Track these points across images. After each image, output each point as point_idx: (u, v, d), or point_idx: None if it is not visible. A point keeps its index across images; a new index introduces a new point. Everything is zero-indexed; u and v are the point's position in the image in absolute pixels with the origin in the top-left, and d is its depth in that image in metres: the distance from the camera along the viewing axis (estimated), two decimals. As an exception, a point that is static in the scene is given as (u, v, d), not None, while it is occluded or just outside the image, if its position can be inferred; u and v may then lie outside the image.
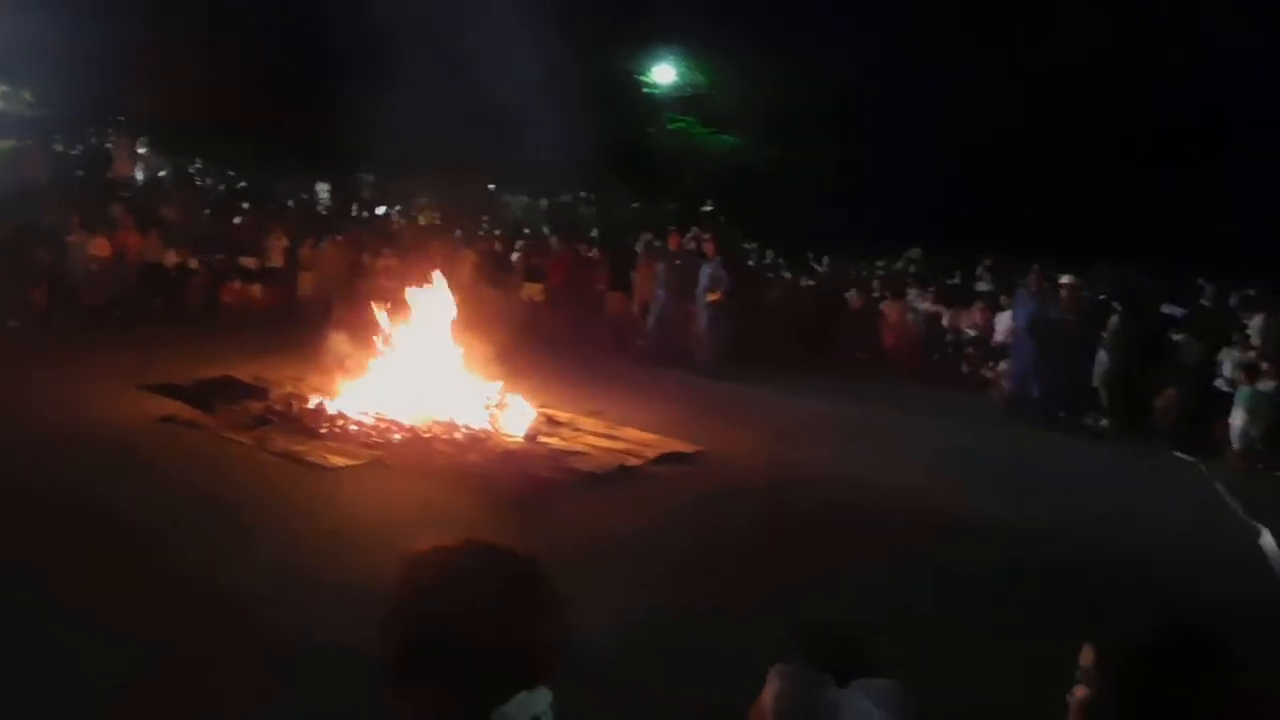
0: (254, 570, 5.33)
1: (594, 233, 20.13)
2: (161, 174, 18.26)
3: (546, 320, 15.32)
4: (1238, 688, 1.53)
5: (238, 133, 19.67)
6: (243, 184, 20.83)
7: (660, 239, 15.97)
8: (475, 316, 9.97)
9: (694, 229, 16.15)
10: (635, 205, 24.98)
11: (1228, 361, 11.93)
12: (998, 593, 6.09)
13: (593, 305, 16.07)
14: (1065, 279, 12.31)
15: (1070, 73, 24.07)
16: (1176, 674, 1.52)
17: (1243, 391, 10.82)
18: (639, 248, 16.36)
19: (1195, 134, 24.14)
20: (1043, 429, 11.60)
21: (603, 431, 9.16)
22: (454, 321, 9.70)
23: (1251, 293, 14.62)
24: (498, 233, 18.81)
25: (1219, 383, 11.88)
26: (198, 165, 19.85)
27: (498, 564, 1.48)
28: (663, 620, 5.15)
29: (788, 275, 17.79)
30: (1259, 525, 8.04)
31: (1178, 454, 10.84)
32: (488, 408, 9.03)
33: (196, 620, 4.70)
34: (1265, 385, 10.71)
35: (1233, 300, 15.02)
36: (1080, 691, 1.62)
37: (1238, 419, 10.65)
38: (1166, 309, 14.45)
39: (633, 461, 8.30)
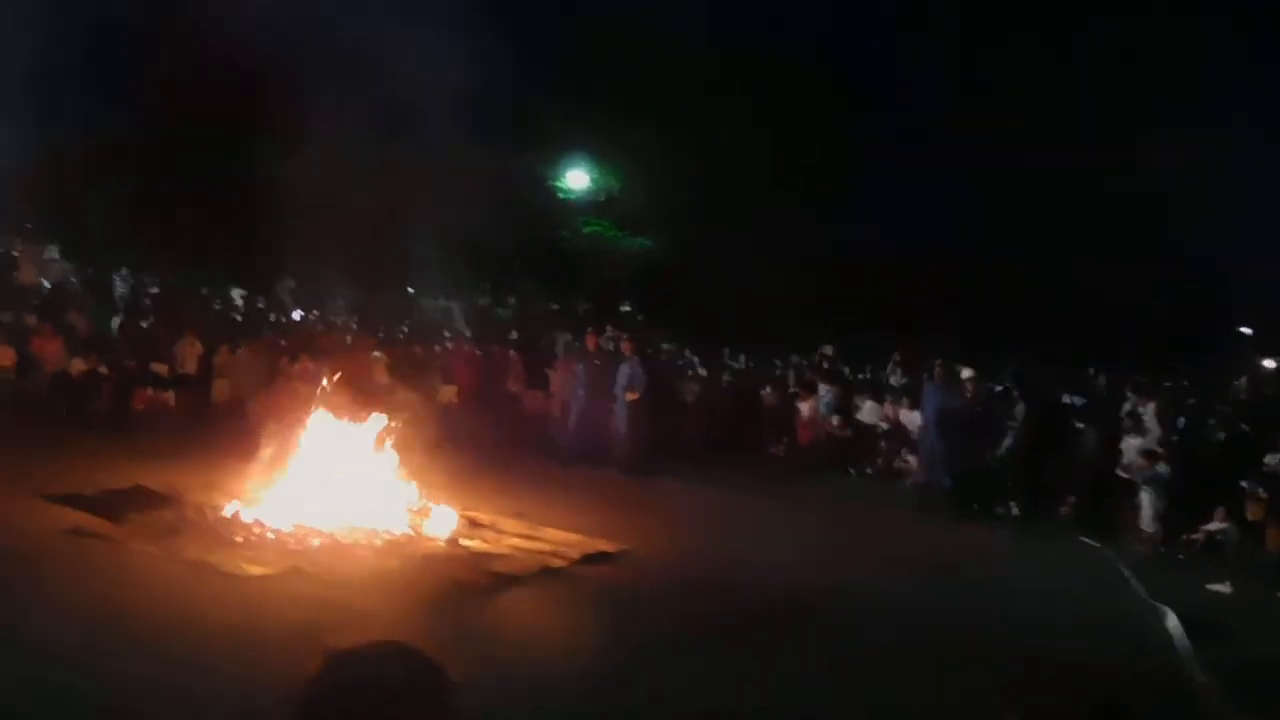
0: (161, 684, 5.17)
1: (512, 334, 20.25)
2: (71, 280, 17.91)
3: (462, 421, 15.31)
4: None
5: (152, 238, 19.48)
6: (154, 289, 20.52)
7: (578, 339, 16.19)
8: (393, 420, 9.93)
9: (610, 328, 16.41)
10: (553, 306, 25.24)
11: (1127, 449, 12.47)
12: (912, 673, 6.23)
13: (508, 405, 16.15)
14: (966, 372, 12.81)
15: (958, 174, 25.32)
16: None
17: (1143, 475, 11.29)
18: (558, 348, 16.54)
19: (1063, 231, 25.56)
20: (954, 517, 11.91)
21: (525, 533, 9.14)
22: (372, 426, 9.65)
23: (1142, 380, 15.35)
24: (416, 335, 18.80)
25: (1119, 470, 12.40)
26: (117, 271, 19.56)
27: (410, 666, 1.53)
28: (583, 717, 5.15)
29: (704, 373, 18.10)
30: (1164, 607, 8.34)
31: (1084, 539, 11.23)
32: (408, 512, 8.96)
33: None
34: (1162, 469, 11.21)
35: (1126, 391, 15.74)
36: None
37: (1145, 503, 11.08)
38: (1066, 398, 15.11)
39: (556, 563, 8.29)
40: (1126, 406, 14.27)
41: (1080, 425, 13.27)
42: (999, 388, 13.89)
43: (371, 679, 1.50)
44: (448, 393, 15.67)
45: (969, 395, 12.62)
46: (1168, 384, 16.08)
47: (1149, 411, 12.63)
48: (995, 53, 24.59)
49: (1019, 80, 24.24)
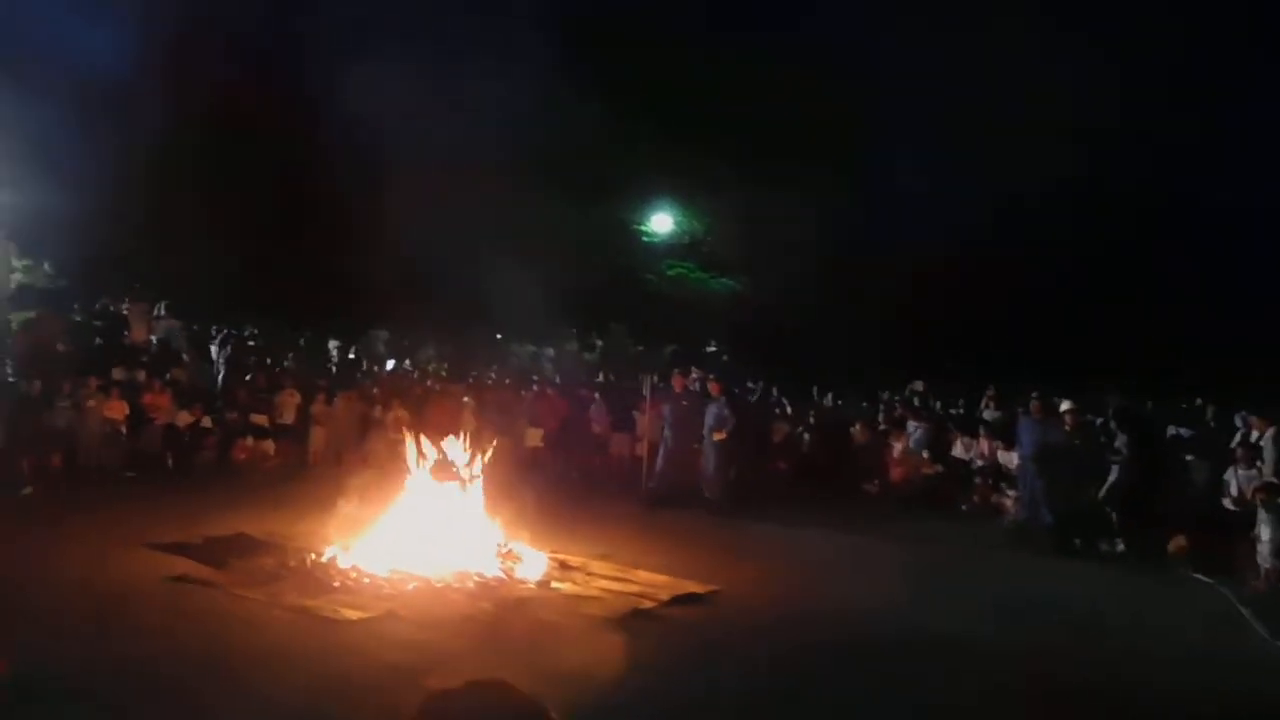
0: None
1: (599, 377, 20.41)
2: (178, 336, 18.69)
3: (549, 464, 15.47)
4: None
5: (253, 293, 20.22)
6: (253, 342, 21.24)
7: (664, 381, 16.24)
8: (485, 465, 10.06)
9: (696, 370, 16.41)
10: (639, 348, 25.37)
11: (1234, 480, 11.94)
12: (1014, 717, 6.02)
13: (593, 448, 16.25)
14: (1065, 404, 12.43)
15: (1057, 201, 24.80)
16: None
17: (1266, 510, 10.76)
18: (644, 390, 16.60)
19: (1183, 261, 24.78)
20: (1056, 555, 11.52)
21: (615, 575, 9.14)
22: (465, 472, 9.79)
23: (1245, 414, 14.69)
24: (506, 381, 19.09)
25: (1226, 502, 11.88)
26: (214, 328, 20.37)
27: (510, 705, 1.52)
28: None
29: (790, 411, 17.95)
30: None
31: (1196, 575, 10.74)
32: (500, 556, 9.04)
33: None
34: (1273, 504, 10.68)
35: (1237, 420, 15.10)
36: None
37: (1265, 537, 10.54)
38: (1173, 430, 14.56)
39: (646, 604, 8.26)
40: (1238, 436, 13.69)
41: (1189, 458, 12.76)
42: (1099, 420, 13.44)
43: (473, 717, 1.49)
44: (534, 436, 15.85)
45: (1068, 428, 12.23)
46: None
47: (1269, 438, 12.06)
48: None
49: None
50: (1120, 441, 12.35)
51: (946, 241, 23.50)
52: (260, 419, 14.97)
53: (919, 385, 20.50)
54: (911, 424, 15.88)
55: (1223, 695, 6.83)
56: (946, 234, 23.40)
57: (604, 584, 8.82)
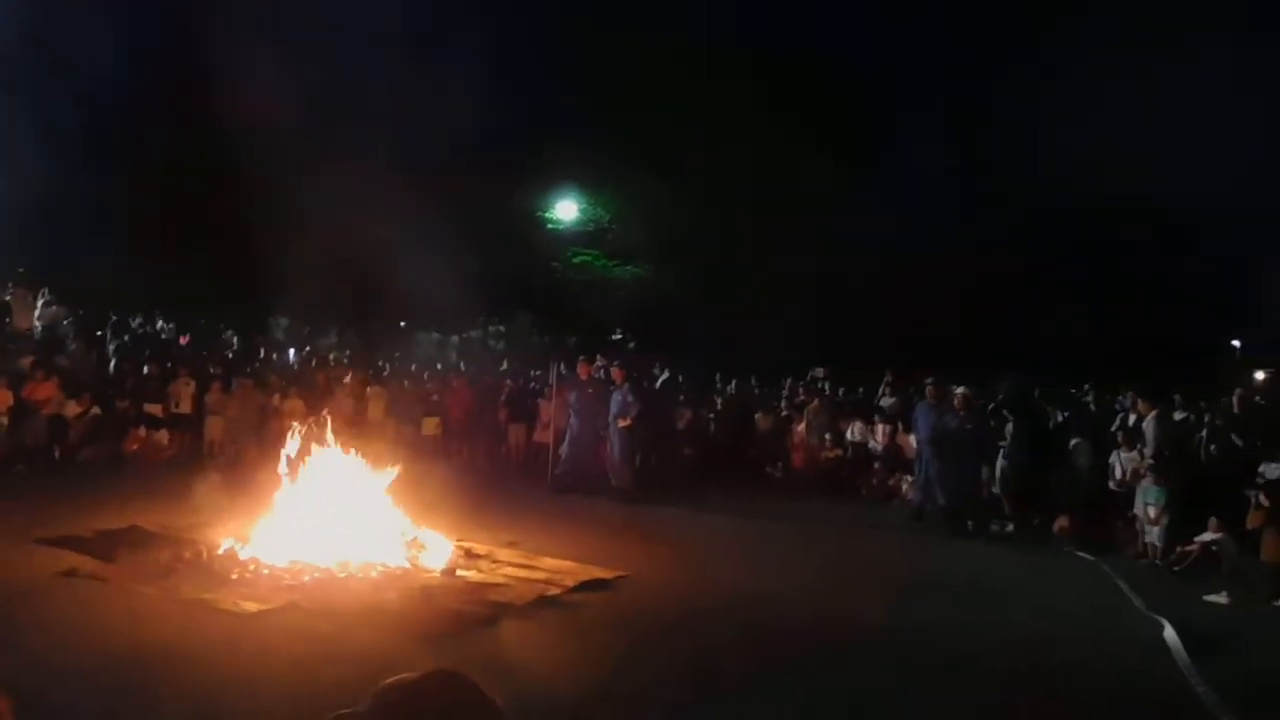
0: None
1: (504, 365, 20.32)
2: (65, 323, 17.95)
3: (451, 453, 15.41)
4: None
5: (144, 279, 19.55)
6: (143, 330, 20.56)
7: (569, 369, 16.27)
8: (386, 454, 9.95)
9: (600, 357, 16.48)
10: (544, 337, 25.34)
11: (1118, 463, 12.52)
12: (919, 695, 6.24)
13: (494, 437, 16.24)
14: (959, 389, 12.87)
15: (950, 192, 25.57)
16: None
17: (1144, 488, 11.30)
18: (550, 378, 16.61)
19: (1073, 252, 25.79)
20: (950, 536, 11.94)
21: (521, 562, 9.15)
22: (364, 460, 9.67)
23: (1128, 397, 15.38)
24: (411, 369, 18.86)
25: (1111, 484, 12.45)
26: (110, 313, 19.64)
27: (461, 695, 1.51)
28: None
29: (692, 398, 18.15)
30: (1162, 619, 8.36)
31: (1079, 554, 11.26)
32: (404, 545, 8.96)
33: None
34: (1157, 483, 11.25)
35: (1117, 404, 15.81)
36: None
37: (1153, 515, 11.06)
38: (1058, 414, 15.17)
39: (553, 591, 8.29)
40: (1119, 419, 14.34)
41: (1074, 441, 13.33)
42: (990, 405, 13.93)
43: (424, 709, 1.47)
44: (430, 425, 15.74)
45: (960, 412, 12.66)
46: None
47: (1150, 420, 12.67)
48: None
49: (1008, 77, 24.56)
50: (1009, 428, 12.83)
51: (852, 236, 24.07)
52: (154, 409, 14.51)
53: (820, 371, 20.92)
54: (810, 410, 16.22)
55: (1102, 664, 7.20)
56: (853, 228, 23.96)
57: (510, 571, 8.82)
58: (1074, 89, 25.69)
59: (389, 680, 1.49)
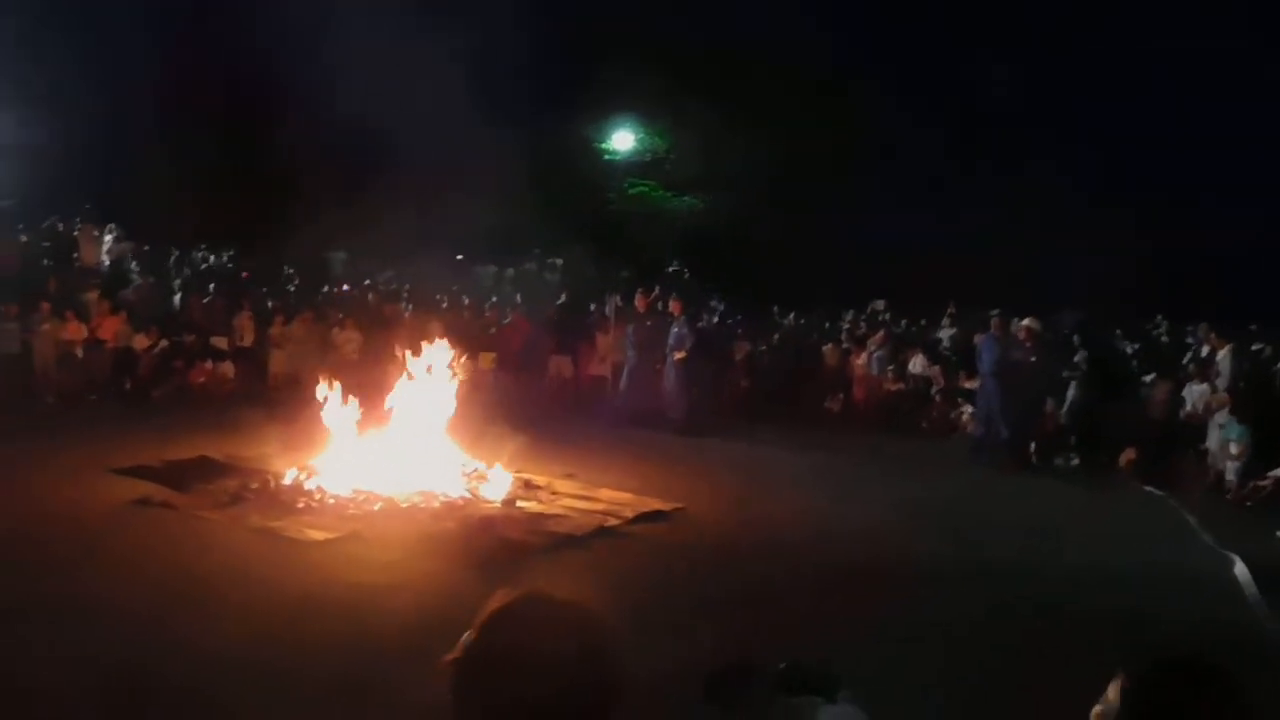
0: (231, 648, 5.29)
1: (561, 298, 20.29)
2: (133, 257, 18.29)
3: (509, 386, 15.45)
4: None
5: (208, 214, 19.80)
6: (206, 264, 20.86)
7: (627, 302, 16.19)
8: (447, 385, 10.01)
9: (659, 290, 16.38)
10: (599, 269, 25.25)
11: (1189, 396, 12.19)
12: (978, 633, 6.17)
13: (539, 371, 16.22)
14: (1025, 321, 12.56)
15: (1016, 119, 24.78)
16: (1201, 705, 1.58)
17: (1221, 423, 11.01)
18: (607, 311, 16.55)
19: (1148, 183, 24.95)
20: (1012, 471, 11.76)
21: (580, 493, 9.20)
22: (426, 392, 9.75)
23: (1200, 330, 14.91)
24: (466, 302, 18.92)
25: (1181, 416, 12.14)
26: (169, 248, 19.96)
27: (563, 614, 1.48)
28: (649, 678, 5.17)
29: (749, 330, 18.01)
30: (1233, 555, 8.18)
31: (1148, 488, 11.02)
32: (464, 476, 9.06)
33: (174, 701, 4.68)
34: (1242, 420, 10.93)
35: (1189, 337, 15.36)
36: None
37: (1234, 451, 10.81)
38: (1127, 347, 14.80)
39: (611, 522, 8.34)
40: (1191, 352, 13.94)
41: (1150, 376, 13.00)
42: (1056, 338, 13.63)
43: (526, 631, 1.45)
44: (487, 359, 15.78)
45: (1027, 345, 12.36)
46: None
47: (1225, 354, 12.28)
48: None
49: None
50: (1079, 357, 12.53)
51: (905, 163, 23.52)
52: (219, 342, 14.76)
53: (880, 304, 20.63)
54: (872, 342, 16.01)
55: (1171, 600, 7.05)
56: (906, 155, 23.40)
57: (569, 503, 8.88)
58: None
59: (490, 609, 1.47)
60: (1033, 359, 12.31)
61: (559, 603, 1.49)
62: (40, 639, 5.26)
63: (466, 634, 1.45)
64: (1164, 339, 16.12)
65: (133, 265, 18.12)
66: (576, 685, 1.40)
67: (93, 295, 14.40)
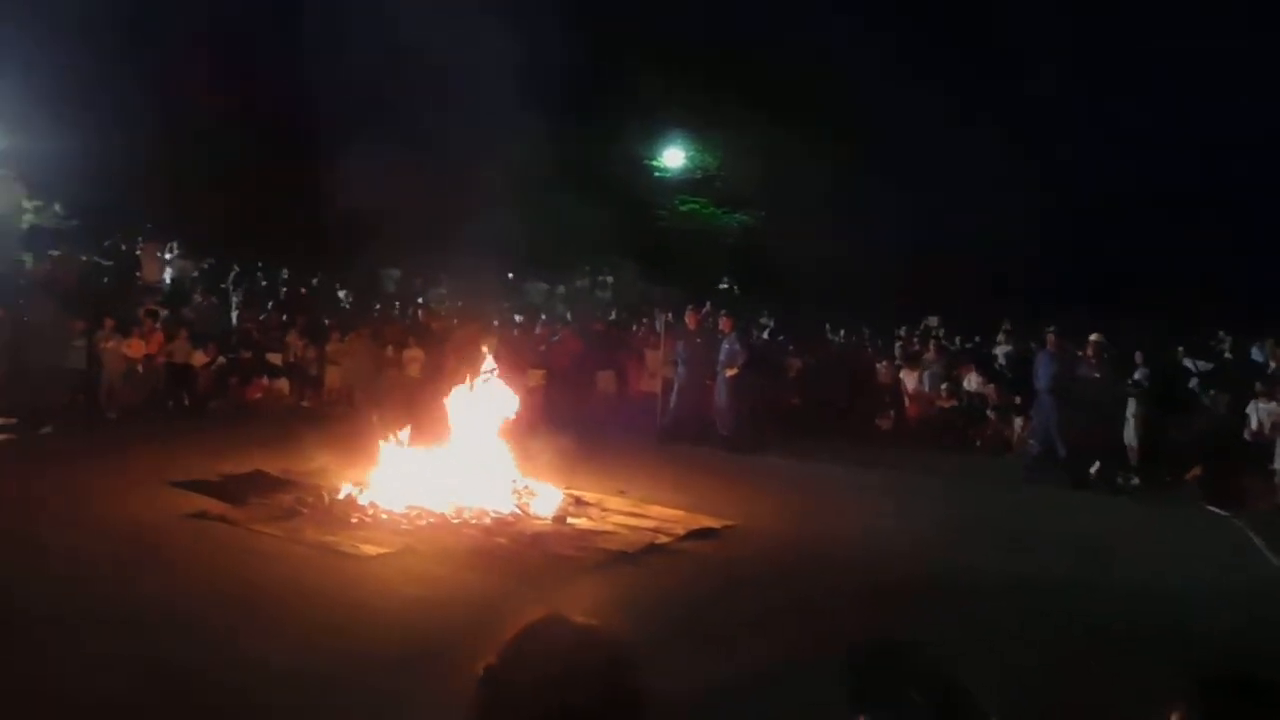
0: (287, 659, 5.34)
1: (611, 315, 20.35)
2: (194, 275, 18.70)
3: (559, 402, 15.50)
4: None
5: (265, 233, 20.15)
6: (265, 282, 21.22)
7: (678, 318, 16.18)
8: (497, 402, 10.05)
9: (710, 306, 16.34)
10: (650, 286, 25.24)
11: (1255, 413, 11.87)
12: (1038, 655, 6.02)
13: (586, 386, 16.27)
14: (1092, 337, 12.27)
15: (1076, 133, 24.41)
16: None
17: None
18: (658, 326, 16.55)
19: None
20: (1070, 488, 11.52)
21: (630, 510, 9.18)
22: (477, 408, 9.80)
23: (1268, 346, 14.53)
24: (518, 320, 19.04)
25: (1246, 435, 11.82)
26: (227, 265, 20.36)
27: (586, 637, 1.52)
28: (702, 692, 5.13)
29: (799, 347, 17.90)
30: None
31: (1211, 508, 10.73)
32: (515, 492, 9.09)
33: (230, 710, 4.73)
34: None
35: (1254, 353, 14.97)
36: None
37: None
38: (1189, 363, 14.46)
39: (662, 539, 8.30)
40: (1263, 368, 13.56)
41: (1211, 392, 12.68)
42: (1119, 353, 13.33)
43: (542, 652, 1.49)
44: (536, 376, 15.84)
45: (1092, 361, 12.09)
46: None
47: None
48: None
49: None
50: (1141, 374, 12.27)
51: (961, 177, 23.25)
52: (274, 358, 15.01)
53: (933, 320, 20.38)
54: (926, 359, 15.82)
55: (1236, 625, 6.83)
56: (962, 169, 23.13)
57: (619, 519, 8.86)
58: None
59: (509, 633, 1.48)
60: (1097, 375, 12.05)
61: (578, 626, 1.53)
62: (99, 648, 5.36)
63: (483, 660, 1.45)
64: (1227, 355, 15.69)
65: (194, 283, 18.52)
66: (595, 706, 1.43)
67: (154, 312, 14.72)
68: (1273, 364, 12.95)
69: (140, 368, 13.54)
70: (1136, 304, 18.12)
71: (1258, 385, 12.31)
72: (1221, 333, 16.83)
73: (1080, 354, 12.25)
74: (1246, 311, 17.49)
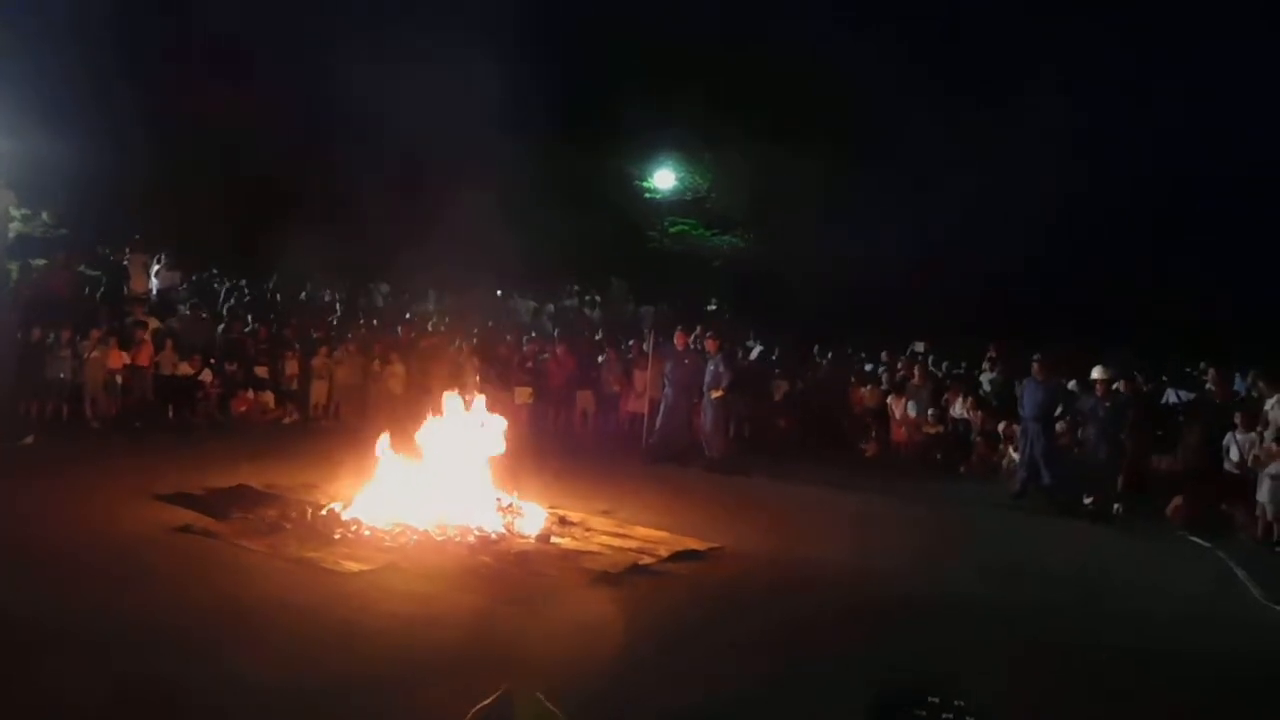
0: (269, 674, 5.32)
1: (598, 334, 20.36)
2: (182, 287, 18.66)
3: (545, 420, 15.54)
4: None
5: (251, 245, 20.12)
6: (249, 297, 21.18)
7: (665, 338, 16.23)
8: (483, 419, 10.05)
9: (698, 327, 16.40)
10: (639, 306, 25.32)
11: (1234, 444, 11.95)
12: (1014, 680, 6.05)
13: (566, 403, 16.33)
14: (1096, 372, 12.29)
15: (1059, 159, 24.59)
16: None
17: (1269, 473, 10.78)
18: (645, 347, 16.59)
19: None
20: (1054, 516, 11.59)
21: (615, 531, 9.18)
22: (463, 425, 9.80)
23: (1251, 377, 14.62)
24: (506, 338, 19.04)
25: (1227, 465, 11.90)
26: (215, 276, 20.32)
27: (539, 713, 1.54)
28: (684, 714, 5.14)
29: (786, 369, 17.95)
30: (1276, 606, 8.00)
31: (1192, 538, 10.81)
32: (500, 510, 9.08)
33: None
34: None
35: (1237, 384, 15.07)
36: None
37: (1266, 501, 10.61)
38: (1172, 394, 14.56)
39: (646, 560, 8.29)
40: (1236, 399, 13.66)
41: (1188, 421, 12.76)
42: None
43: None
44: (523, 394, 15.86)
45: (1098, 394, 12.13)
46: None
47: (1273, 402, 12.05)
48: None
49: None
50: (1123, 405, 12.35)
51: (952, 204, 23.41)
52: (261, 371, 14.97)
53: (920, 345, 20.46)
54: (913, 385, 15.89)
55: (1217, 656, 6.88)
56: (953, 197, 23.30)
57: (604, 540, 8.86)
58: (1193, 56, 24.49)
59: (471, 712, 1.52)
60: (1108, 404, 12.08)
61: (535, 702, 1.53)
62: (82, 662, 5.33)
63: None
64: (1209, 387, 15.79)
65: (181, 294, 18.46)
66: None
67: (140, 323, 14.66)
68: (1255, 393, 13.03)
69: (119, 378, 13.44)
70: (1120, 334, 18.25)
71: (1236, 416, 12.39)
72: (1202, 364, 16.95)
73: (1062, 382, 12.30)
74: (1232, 343, 17.67)
